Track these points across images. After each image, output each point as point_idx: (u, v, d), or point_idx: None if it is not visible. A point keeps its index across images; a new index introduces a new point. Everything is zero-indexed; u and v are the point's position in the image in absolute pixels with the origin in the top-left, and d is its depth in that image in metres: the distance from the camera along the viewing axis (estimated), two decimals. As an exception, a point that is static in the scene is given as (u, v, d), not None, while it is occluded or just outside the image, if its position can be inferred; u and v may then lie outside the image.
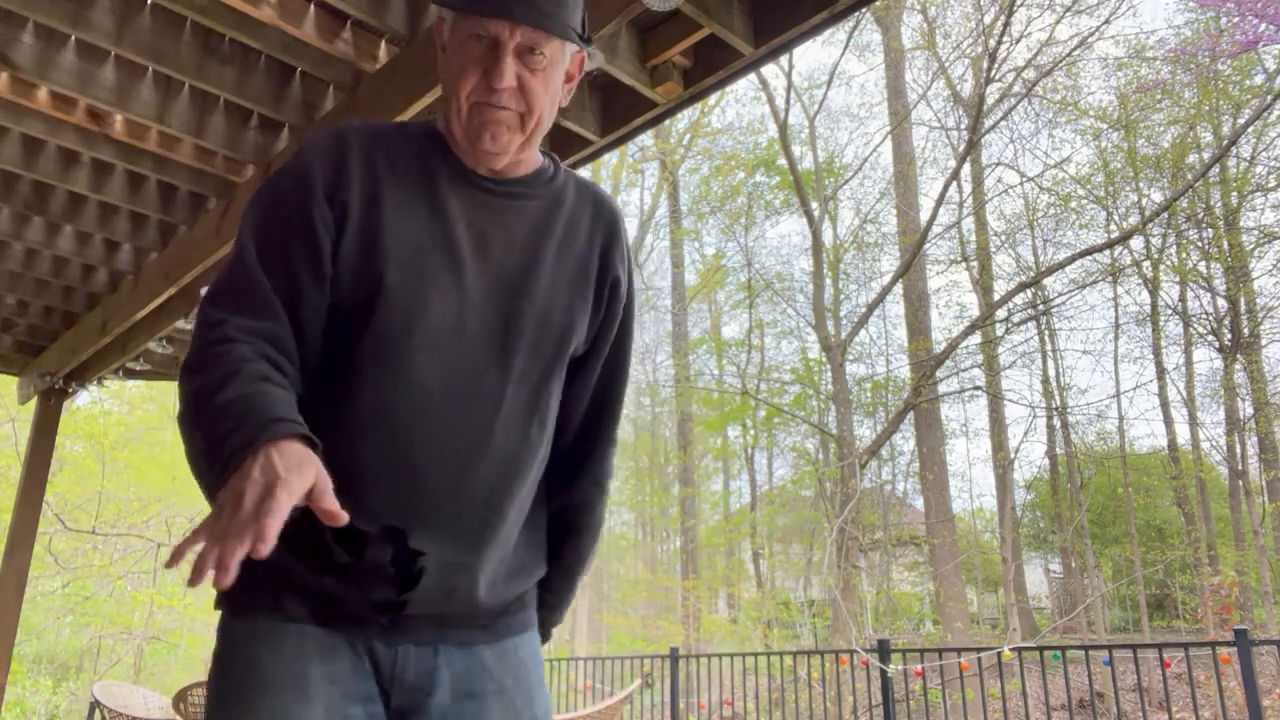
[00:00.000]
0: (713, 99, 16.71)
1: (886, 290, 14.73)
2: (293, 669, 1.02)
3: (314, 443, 0.92)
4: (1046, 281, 14.53)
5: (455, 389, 1.06)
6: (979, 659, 7.31)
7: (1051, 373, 16.71)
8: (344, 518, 0.88)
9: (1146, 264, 14.69)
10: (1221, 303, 14.95)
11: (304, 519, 0.92)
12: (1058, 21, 13.49)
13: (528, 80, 1.10)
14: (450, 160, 1.16)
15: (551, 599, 1.26)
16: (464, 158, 1.16)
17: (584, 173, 2.41)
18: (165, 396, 15.70)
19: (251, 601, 1.05)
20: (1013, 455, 16.45)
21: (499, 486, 1.09)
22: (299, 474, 0.86)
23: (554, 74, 1.14)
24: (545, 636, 1.28)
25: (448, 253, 1.09)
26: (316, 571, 1.05)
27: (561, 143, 3.14)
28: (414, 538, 1.04)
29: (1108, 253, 14.02)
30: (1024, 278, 15.06)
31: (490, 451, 1.08)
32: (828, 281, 15.58)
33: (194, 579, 0.81)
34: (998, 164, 15.96)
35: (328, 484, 0.89)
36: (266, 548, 0.82)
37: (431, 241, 1.09)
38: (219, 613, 1.10)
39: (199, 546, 0.83)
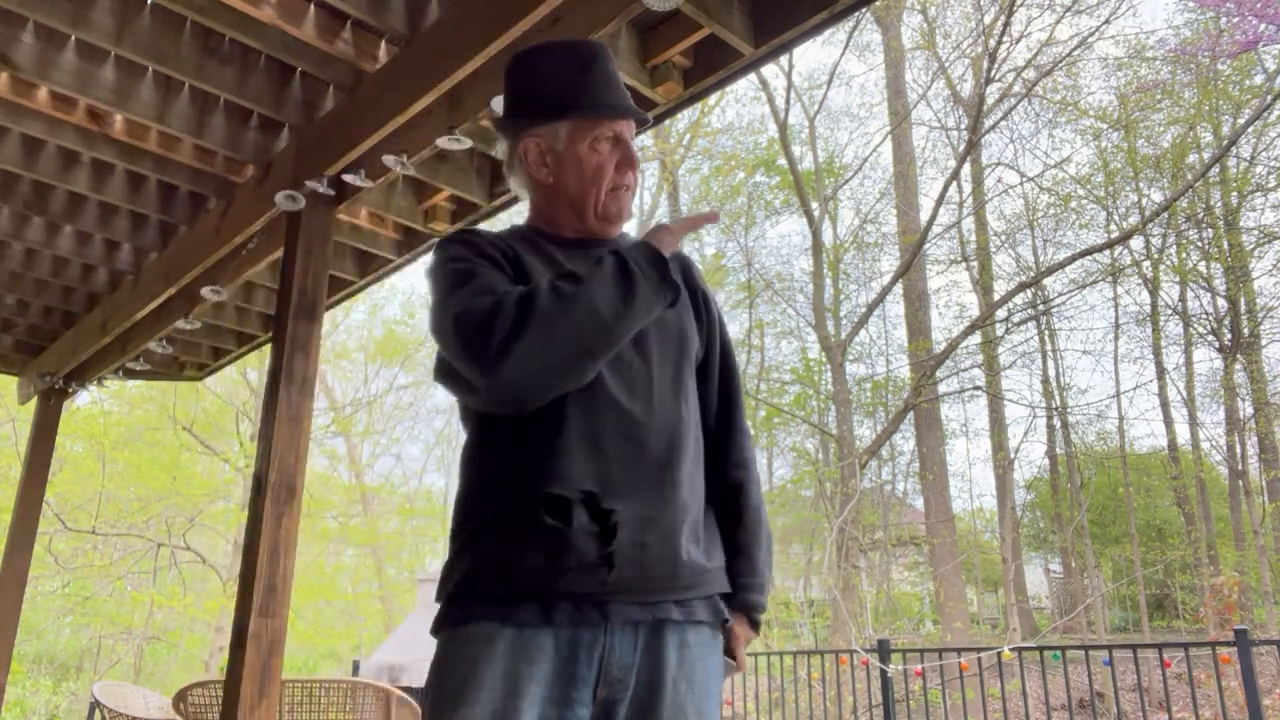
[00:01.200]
0: (713, 99, 16.70)
1: (886, 290, 14.72)
2: (507, 667, 1.20)
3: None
4: (1046, 281, 14.51)
5: (616, 377, 1.33)
6: (979, 659, 7.30)
7: (1051, 373, 16.72)
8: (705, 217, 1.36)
9: (1146, 264, 14.68)
10: (1221, 303, 14.96)
11: (516, 514, 1.23)
12: (1058, 21, 13.47)
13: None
14: (545, 234, 1.50)
15: (740, 582, 1.42)
16: (566, 232, 1.49)
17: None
18: (165, 396, 15.68)
19: (471, 613, 1.26)
20: (1013, 455, 16.45)
21: (668, 451, 1.32)
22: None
23: None
24: (754, 625, 1.45)
25: None
26: (531, 551, 1.23)
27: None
28: (606, 499, 1.25)
29: (1108, 253, 14.01)
30: (1024, 278, 15.04)
31: (654, 424, 1.33)
32: (828, 281, 15.57)
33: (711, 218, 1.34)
34: (998, 164, 15.95)
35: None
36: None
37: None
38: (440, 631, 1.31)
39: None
